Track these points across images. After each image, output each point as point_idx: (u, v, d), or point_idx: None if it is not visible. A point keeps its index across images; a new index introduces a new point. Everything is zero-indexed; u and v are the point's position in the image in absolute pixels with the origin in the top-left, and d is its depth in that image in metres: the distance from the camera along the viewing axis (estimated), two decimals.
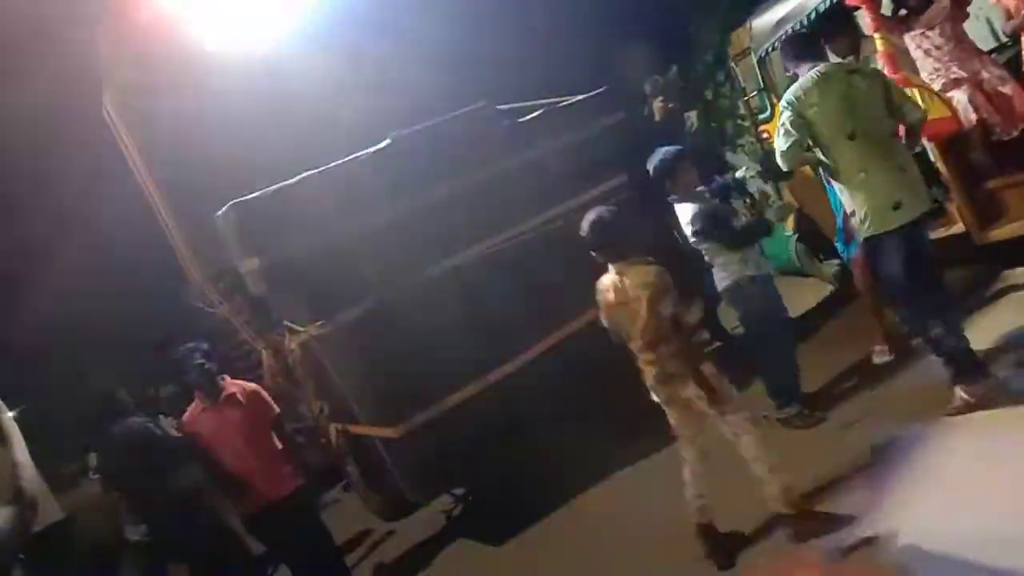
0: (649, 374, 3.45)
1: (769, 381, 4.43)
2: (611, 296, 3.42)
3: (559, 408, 4.82)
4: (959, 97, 4.38)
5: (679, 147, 4.48)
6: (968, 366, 3.52)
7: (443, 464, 4.84)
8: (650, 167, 4.34)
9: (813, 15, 4.85)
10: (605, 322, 3.53)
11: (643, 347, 3.40)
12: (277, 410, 4.50)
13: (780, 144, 3.66)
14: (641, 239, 3.56)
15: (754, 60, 5.45)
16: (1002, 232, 4.36)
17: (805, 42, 3.81)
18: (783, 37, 5.05)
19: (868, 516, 3.18)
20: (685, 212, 4.27)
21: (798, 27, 4.99)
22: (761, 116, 5.48)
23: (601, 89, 5.85)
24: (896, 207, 3.47)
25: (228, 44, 6.74)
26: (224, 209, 4.60)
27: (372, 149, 4.92)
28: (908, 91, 4.39)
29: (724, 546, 3.50)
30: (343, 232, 4.59)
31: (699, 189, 4.38)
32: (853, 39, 5.28)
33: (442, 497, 5.54)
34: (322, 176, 4.70)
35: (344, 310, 4.61)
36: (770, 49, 5.25)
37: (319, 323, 4.67)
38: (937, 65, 4.48)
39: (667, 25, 8.51)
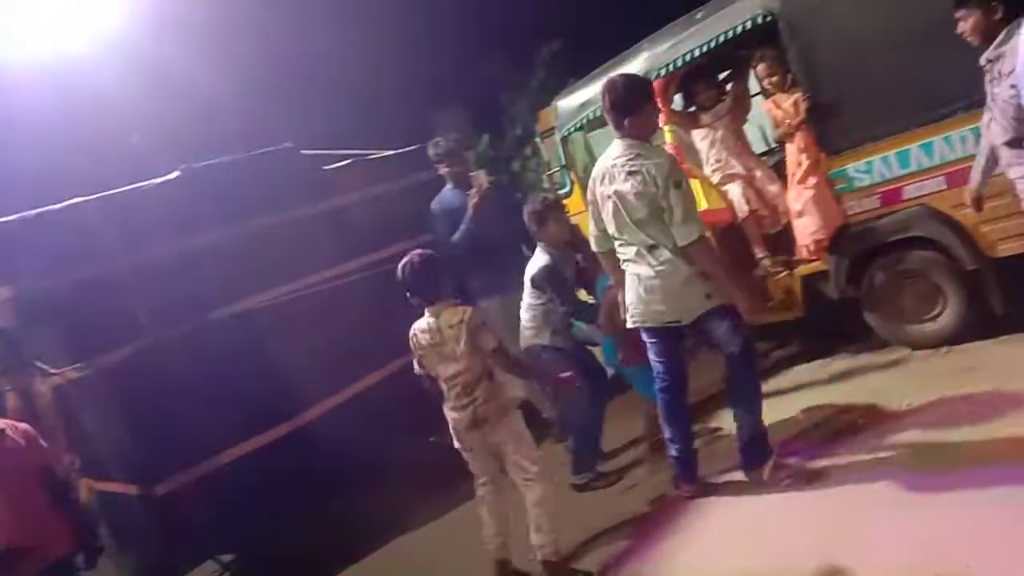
0: (460, 419, 3.44)
1: (570, 444, 4.56)
2: (426, 338, 3.41)
3: (346, 467, 4.61)
4: (734, 190, 4.83)
5: (552, 197, 4.90)
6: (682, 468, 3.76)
7: (210, 527, 4.45)
8: (524, 212, 4.47)
9: None
10: (417, 367, 3.51)
11: (460, 391, 3.40)
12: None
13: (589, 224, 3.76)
14: (452, 283, 3.68)
15: (558, 138, 5.72)
16: (769, 318, 4.80)
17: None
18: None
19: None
20: (537, 259, 4.40)
21: (600, 112, 5.30)
22: (561, 191, 5.74)
23: (415, 146, 5.87)
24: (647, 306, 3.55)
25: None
26: None
27: (159, 179, 4.57)
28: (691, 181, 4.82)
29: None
30: (114, 266, 4.19)
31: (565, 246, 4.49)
32: None
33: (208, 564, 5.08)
34: (96, 203, 4.28)
35: (107, 352, 4.18)
36: (573, 129, 5.53)
37: (76, 364, 4.19)
38: (719, 158, 4.92)
39: (482, 94, 8.79)
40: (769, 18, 4.34)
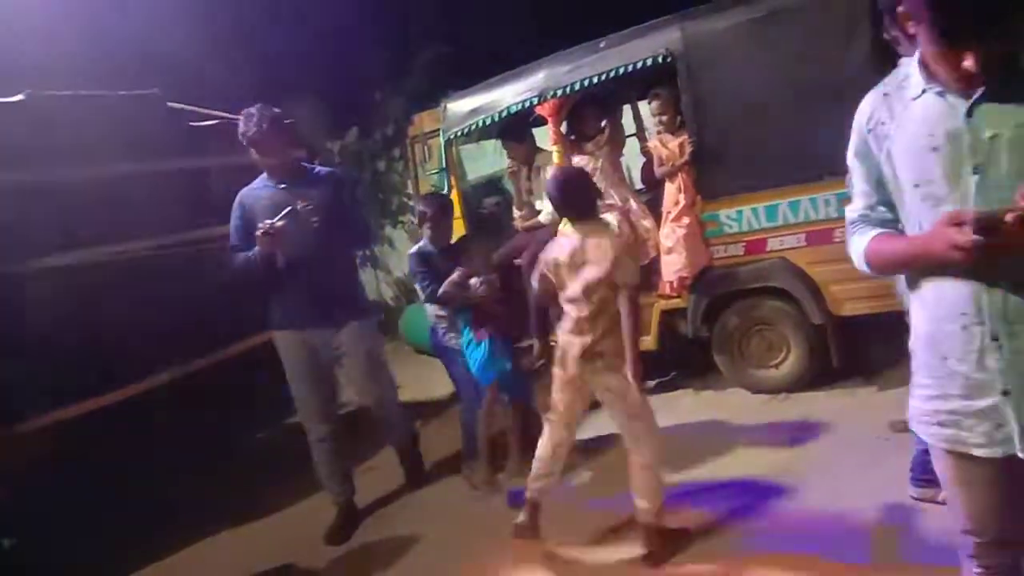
0: (574, 344, 3.18)
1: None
2: (566, 253, 3.20)
3: (170, 450, 4.18)
4: (609, 220, 4.93)
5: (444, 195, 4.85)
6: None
7: None
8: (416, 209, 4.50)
9: (505, 113, 5.16)
10: (539, 284, 3.34)
11: (584, 315, 3.15)
12: None
13: None
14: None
15: (442, 140, 5.62)
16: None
17: None
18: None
19: None
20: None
21: (489, 121, 5.28)
22: None
23: (290, 120, 5.50)
24: None
25: None
26: None
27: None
28: None
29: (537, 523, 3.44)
30: None
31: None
32: (529, 149, 5.76)
33: None
34: None
35: None
36: (460, 133, 5.46)
37: None
38: (600, 186, 5.01)
39: (357, 88, 8.52)
40: (669, 59, 4.52)
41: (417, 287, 4.36)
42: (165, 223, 4.57)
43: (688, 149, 4.58)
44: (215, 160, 4.99)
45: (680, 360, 5.14)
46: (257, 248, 3.66)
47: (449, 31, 8.65)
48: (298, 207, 3.70)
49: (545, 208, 5.30)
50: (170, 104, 4.83)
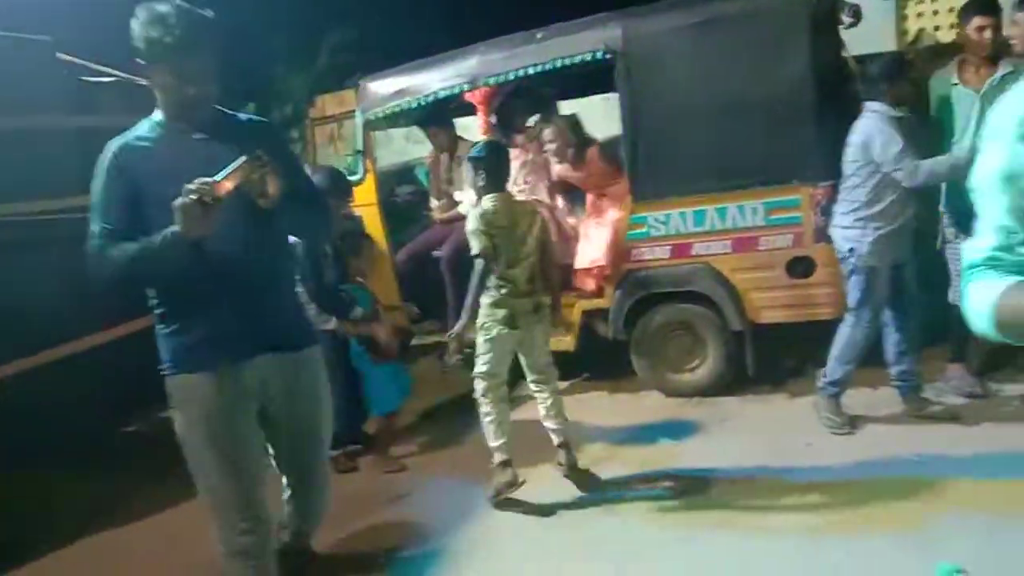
0: (521, 304, 3.59)
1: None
2: (502, 219, 3.56)
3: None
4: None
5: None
6: None
7: None
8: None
9: (432, 97, 4.96)
10: (480, 246, 3.52)
11: (525, 277, 3.60)
12: None
13: None
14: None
15: (359, 121, 5.33)
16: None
17: None
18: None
19: None
20: None
21: (414, 105, 5.06)
22: (353, 177, 5.33)
23: None
24: None
25: None
26: None
27: None
28: None
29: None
30: None
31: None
32: (451, 138, 5.59)
33: None
34: None
35: None
36: (380, 115, 5.20)
37: None
38: (529, 180, 4.91)
39: (256, 64, 8.00)
40: (608, 56, 4.47)
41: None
42: (45, 186, 4.06)
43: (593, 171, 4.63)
44: (107, 120, 4.48)
45: (597, 361, 5.09)
46: (173, 229, 2.18)
47: (358, 14, 8.30)
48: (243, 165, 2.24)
49: (466, 199, 5.14)
50: (60, 55, 4.30)
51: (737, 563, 2.94)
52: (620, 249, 4.61)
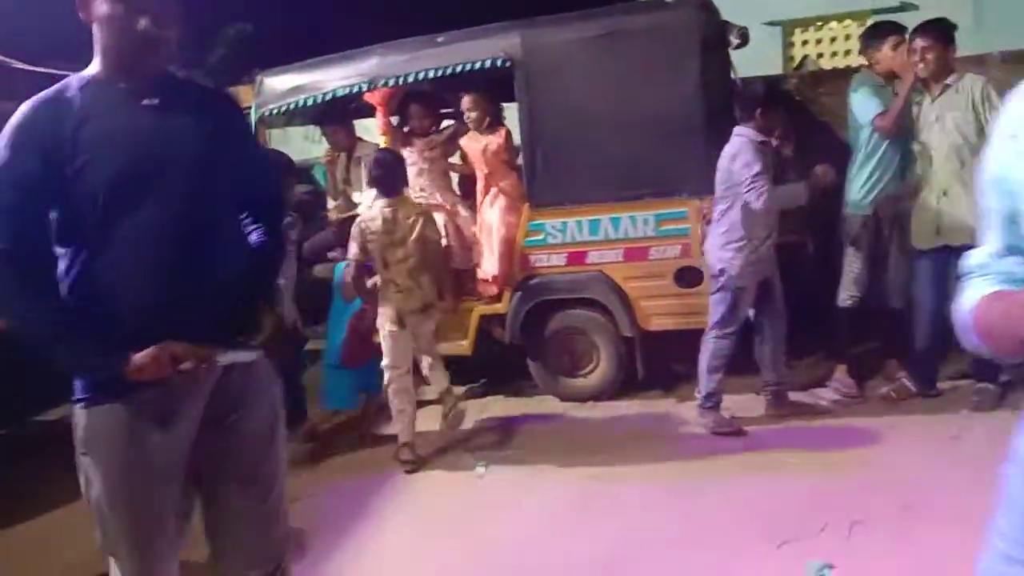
0: (409, 301, 3.98)
1: None
2: (378, 225, 3.90)
3: None
4: (437, 218, 4.81)
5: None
6: None
7: None
8: None
9: (330, 96, 4.88)
10: (355, 254, 3.94)
11: (407, 275, 3.96)
12: None
13: None
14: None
15: (254, 116, 5.18)
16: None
17: None
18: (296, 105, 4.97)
19: None
20: None
21: (311, 102, 4.96)
22: None
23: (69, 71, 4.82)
24: None
25: None
26: None
27: None
28: None
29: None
30: None
31: None
32: (349, 137, 5.52)
33: None
34: None
35: None
36: (275, 111, 5.07)
37: None
38: (425, 185, 4.89)
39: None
40: (507, 63, 4.51)
41: None
42: None
43: (497, 147, 4.65)
44: None
45: (493, 367, 5.11)
46: (118, 365, 1.74)
47: (256, 9, 8.10)
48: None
49: (365, 199, 5.08)
50: None
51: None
52: (516, 257, 4.66)
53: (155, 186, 1.76)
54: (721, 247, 3.93)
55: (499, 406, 4.89)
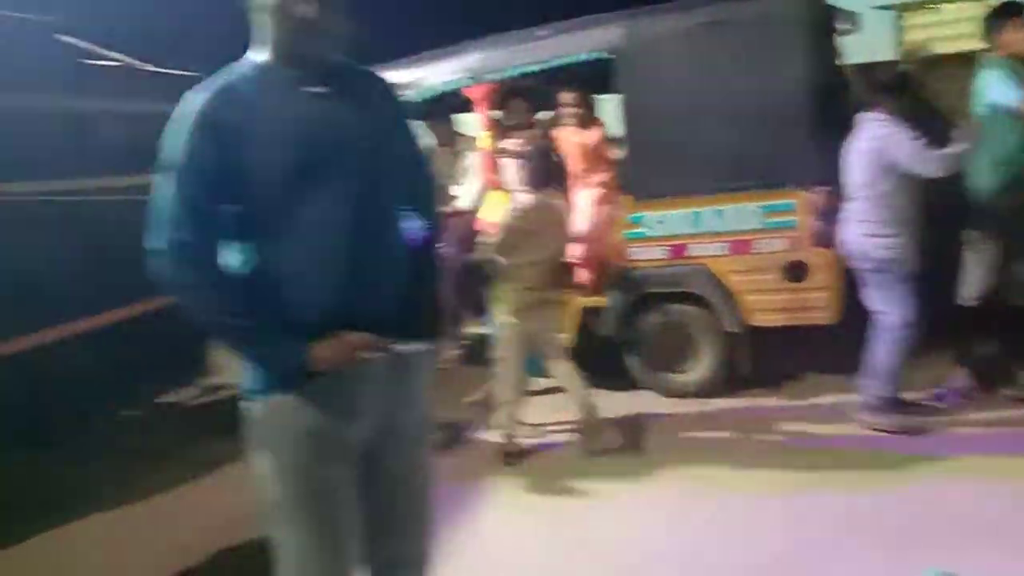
0: (534, 299, 3.86)
1: None
2: (525, 217, 3.78)
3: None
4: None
5: None
6: None
7: None
8: None
9: (435, 92, 4.95)
10: (498, 244, 3.80)
11: (541, 275, 3.84)
12: None
13: None
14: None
15: None
16: None
17: None
18: None
19: None
20: None
21: (417, 99, 5.04)
22: None
23: (194, 74, 5.09)
24: None
25: None
26: None
27: None
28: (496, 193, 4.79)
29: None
30: None
31: None
32: (449, 132, 5.60)
33: None
34: None
35: None
36: None
37: None
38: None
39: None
40: (610, 56, 4.48)
41: None
42: (45, 166, 4.04)
43: (595, 142, 4.61)
44: (106, 104, 4.48)
45: (595, 360, 5.08)
46: (300, 355, 1.73)
47: (362, 9, 8.30)
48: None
49: (465, 192, 5.16)
50: (59, 36, 4.28)
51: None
52: (614, 250, 4.62)
53: (331, 176, 1.73)
54: (879, 234, 3.72)
55: (599, 400, 4.85)
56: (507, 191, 4.75)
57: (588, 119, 4.77)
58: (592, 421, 4.03)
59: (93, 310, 4.24)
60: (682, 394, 4.63)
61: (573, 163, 4.83)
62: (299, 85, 1.74)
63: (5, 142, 3.79)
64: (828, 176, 3.96)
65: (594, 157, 4.73)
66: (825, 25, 4.27)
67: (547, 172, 3.89)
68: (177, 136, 1.68)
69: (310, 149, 1.71)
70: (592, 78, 4.84)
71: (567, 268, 4.27)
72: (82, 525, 3.76)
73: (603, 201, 4.70)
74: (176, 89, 5.07)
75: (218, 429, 4.81)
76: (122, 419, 5.15)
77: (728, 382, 4.57)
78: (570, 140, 4.77)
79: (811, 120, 4.13)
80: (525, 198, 3.86)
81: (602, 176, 4.75)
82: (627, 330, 4.69)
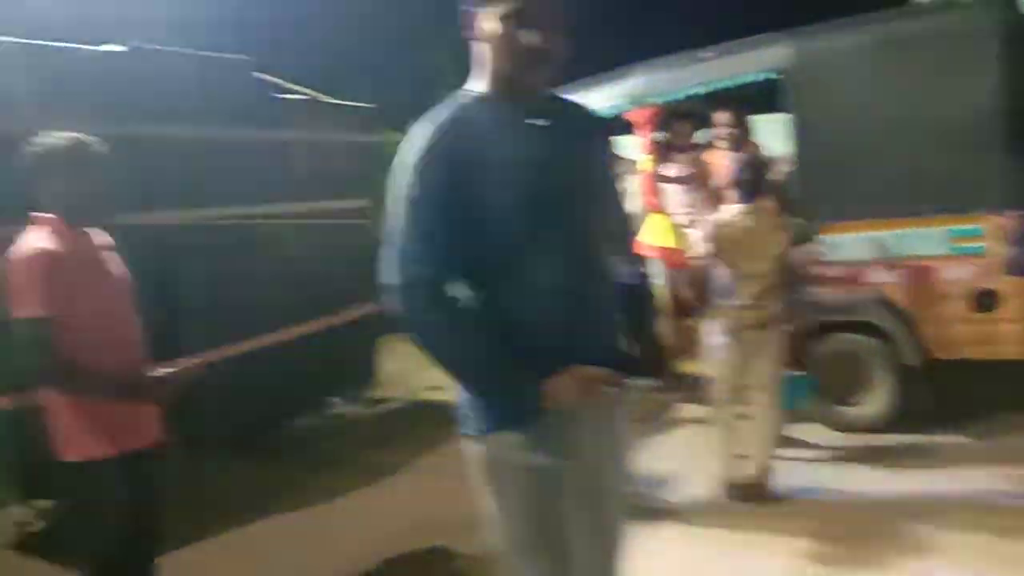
0: (749, 317, 3.58)
1: None
2: (740, 230, 3.59)
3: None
4: (695, 236, 4.77)
5: None
6: None
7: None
8: None
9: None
10: (711, 251, 3.65)
11: (759, 290, 3.58)
12: None
13: None
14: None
15: None
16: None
17: None
18: None
19: None
20: None
21: None
22: None
23: (370, 105, 5.46)
24: None
25: None
26: None
27: (103, 47, 3.86)
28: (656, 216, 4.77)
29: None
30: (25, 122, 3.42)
31: None
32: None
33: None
34: (24, 49, 3.51)
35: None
36: None
37: None
38: (691, 201, 4.87)
39: (423, 81, 8.41)
40: (779, 76, 4.38)
41: None
42: (245, 193, 4.43)
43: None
44: (297, 135, 4.86)
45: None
46: (532, 391, 1.67)
47: None
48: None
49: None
50: (256, 74, 4.69)
51: None
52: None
53: (559, 209, 1.70)
54: None
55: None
56: (667, 215, 4.73)
57: (743, 140, 4.68)
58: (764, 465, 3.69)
59: (281, 324, 4.57)
60: (853, 429, 4.40)
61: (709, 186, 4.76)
62: (520, 116, 1.70)
63: (214, 172, 4.18)
64: (1021, 200, 3.69)
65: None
66: (1019, 38, 3.97)
67: (757, 183, 3.67)
68: (407, 169, 1.65)
69: (540, 183, 1.67)
70: (749, 99, 4.75)
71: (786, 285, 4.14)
72: (261, 526, 3.99)
73: None
74: (353, 120, 5.42)
75: (385, 439, 5.11)
76: (300, 427, 5.51)
77: (904, 417, 4.30)
78: (721, 163, 4.70)
79: (1004, 140, 3.85)
80: (736, 208, 3.66)
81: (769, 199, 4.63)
82: (797, 360, 4.52)
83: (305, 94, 5.04)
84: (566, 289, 1.70)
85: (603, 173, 1.89)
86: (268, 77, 4.85)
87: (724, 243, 3.62)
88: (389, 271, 1.66)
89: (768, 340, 3.63)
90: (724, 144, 4.73)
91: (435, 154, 1.63)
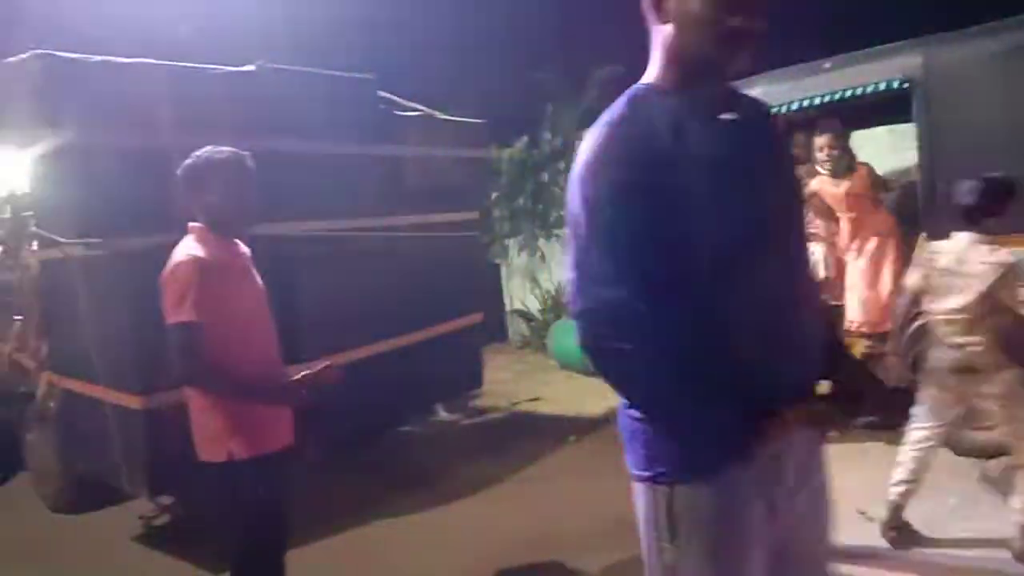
0: (944, 359, 3.23)
1: None
2: (943, 262, 3.18)
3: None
4: (816, 250, 4.64)
5: None
6: None
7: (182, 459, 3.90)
8: None
9: None
10: (916, 282, 3.28)
11: (956, 329, 3.16)
12: None
13: None
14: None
15: None
16: None
17: None
18: None
19: None
20: None
21: None
22: None
23: (480, 120, 5.61)
24: None
25: None
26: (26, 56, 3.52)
27: (231, 68, 4.12)
28: None
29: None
30: (165, 140, 3.68)
31: None
32: None
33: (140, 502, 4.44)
34: (164, 70, 3.80)
35: (128, 235, 3.63)
36: None
37: (91, 240, 3.66)
38: (807, 214, 4.74)
39: (530, 100, 8.54)
40: (906, 85, 4.21)
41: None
42: (365, 206, 4.63)
43: (859, 189, 4.44)
44: (414, 150, 5.05)
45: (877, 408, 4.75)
46: (747, 433, 1.44)
47: (625, 52, 8.58)
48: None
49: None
50: (381, 92, 4.91)
51: None
52: (874, 302, 4.34)
53: (759, 215, 1.46)
54: None
55: (878, 453, 4.51)
56: None
57: (847, 163, 4.54)
58: None
59: (393, 333, 4.72)
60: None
61: (837, 211, 4.63)
62: (705, 110, 1.48)
63: (340, 185, 4.40)
64: None
65: (863, 204, 4.50)
66: None
67: (989, 210, 3.20)
68: (576, 179, 1.46)
69: (739, 186, 1.44)
70: (858, 112, 4.60)
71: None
72: (361, 532, 4.12)
73: (882, 246, 4.43)
74: (464, 136, 5.56)
75: (488, 450, 5.17)
76: (404, 434, 5.67)
77: None
78: (827, 190, 4.58)
79: None
80: (955, 236, 3.24)
81: (876, 220, 4.49)
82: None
83: (419, 110, 5.20)
84: (781, 314, 1.47)
85: (793, 174, 1.67)
86: (389, 95, 5.05)
87: (930, 271, 3.25)
88: (579, 296, 1.47)
89: (981, 386, 3.22)
90: (826, 169, 4.60)
91: (611, 155, 1.42)
